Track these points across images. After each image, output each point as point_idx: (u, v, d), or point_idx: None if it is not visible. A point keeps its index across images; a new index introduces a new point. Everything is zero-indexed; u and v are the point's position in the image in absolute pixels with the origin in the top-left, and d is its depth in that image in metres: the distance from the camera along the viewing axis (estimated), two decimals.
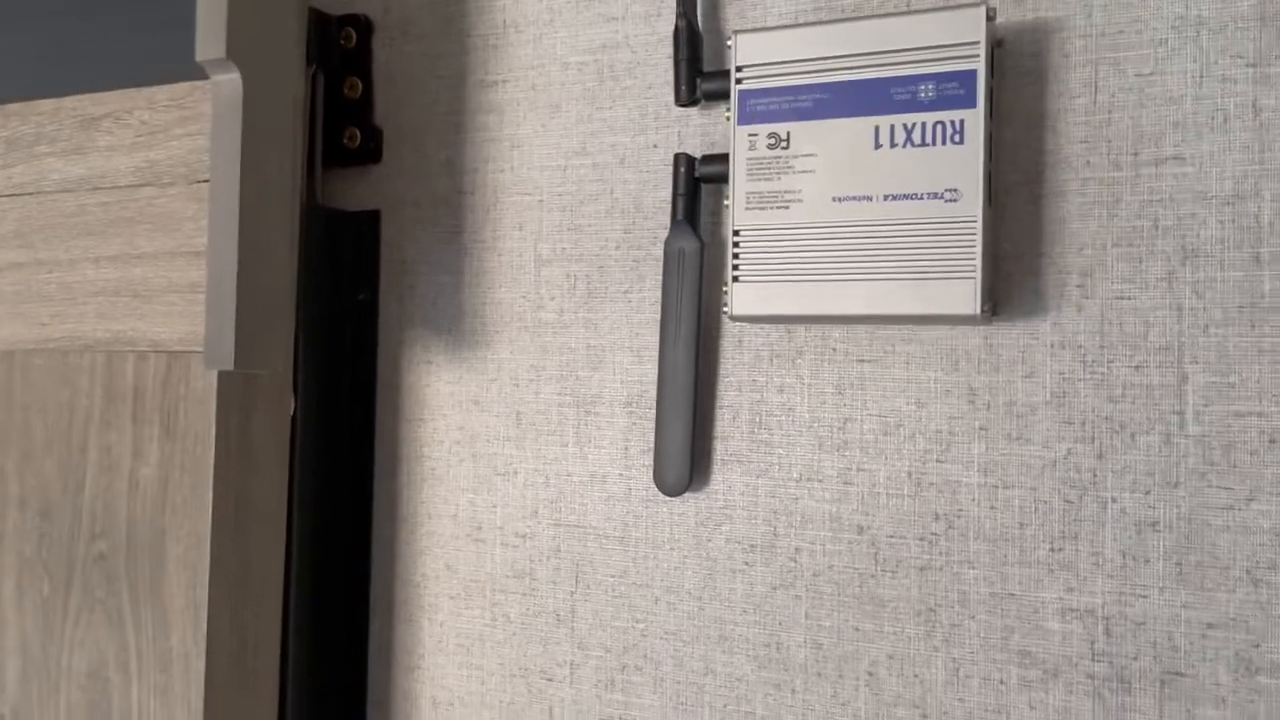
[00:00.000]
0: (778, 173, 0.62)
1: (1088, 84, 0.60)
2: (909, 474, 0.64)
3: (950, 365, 0.63)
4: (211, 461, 0.67)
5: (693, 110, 0.70)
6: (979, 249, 0.57)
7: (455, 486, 0.77)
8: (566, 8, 0.74)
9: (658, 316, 0.70)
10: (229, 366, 0.61)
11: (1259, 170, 0.57)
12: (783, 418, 0.67)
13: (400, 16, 0.80)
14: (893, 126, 0.59)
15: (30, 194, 0.76)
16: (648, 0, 0.71)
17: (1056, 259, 0.61)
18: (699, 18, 0.69)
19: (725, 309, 0.64)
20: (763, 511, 0.67)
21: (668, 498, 0.70)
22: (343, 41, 0.80)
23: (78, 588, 0.72)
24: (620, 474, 0.71)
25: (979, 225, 0.57)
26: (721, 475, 0.69)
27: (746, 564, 0.68)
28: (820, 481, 0.66)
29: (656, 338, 0.70)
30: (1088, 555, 0.60)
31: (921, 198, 0.58)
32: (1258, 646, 0.56)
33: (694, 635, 0.69)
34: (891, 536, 0.64)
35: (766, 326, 0.67)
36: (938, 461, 0.63)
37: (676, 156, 0.68)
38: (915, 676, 0.63)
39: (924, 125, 0.58)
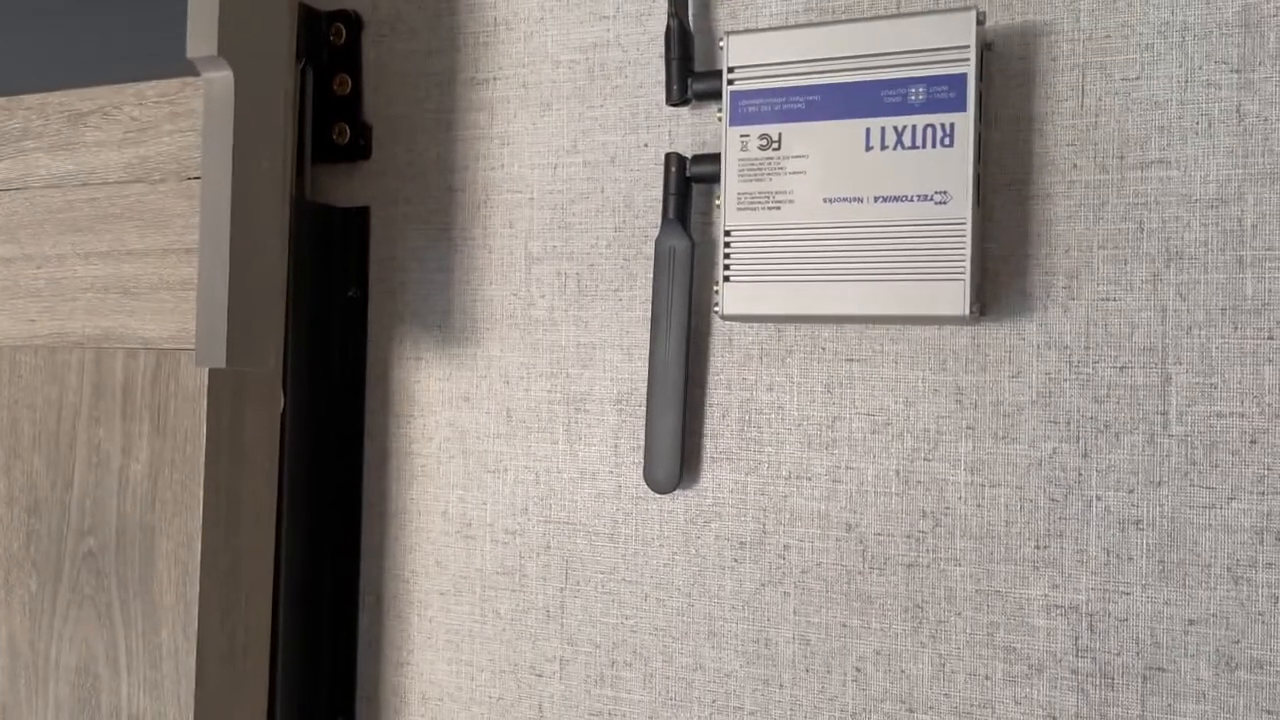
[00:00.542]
0: (769, 173, 0.62)
1: (1075, 88, 0.61)
2: (897, 472, 0.64)
3: (938, 365, 0.64)
4: (202, 458, 0.67)
5: (683, 110, 0.70)
6: (968, 251, 0.58)
7: (445, 483, 0.77)
8: (558, 6, 0.74)
9: (648, 315, 0.71)
10: (221, 364, 0.61)
11: (1242, 174, 0.58)
12: (772, 416, 0.68)
13: (390, 13, 0.80)
14: (883, 129, 0.60)
15: (18, 189, 0.75)
16: None
17: (1043, 260, 0.62)
18: (690, 18, 0.69)
19: (716, 308, 0.65)
20: (752, 509, 0.68)
21: (657, 495, 0.70)
22: (332, 38, 0.80)
23: (66, 584, 0.72)
24: (610, 471, 0.72)
25: (968, 227, 0.58)
26: (711, 473, 0.69)
27: (735, 561, 0.68)
28: (809, 479, 0.66)
29: (646, 336, 0.71)
30: (1072, 553, 0.60)
31: (911, 199, 0.59)
32: (1238, 642, 0.57)
33: (683, 631, 0.70)
34: (879, 534, 0.65)
35: (756, 325, 0.68)
36: (925, 460, 0.64)
37: (668, 156, 0.68)
38: (902, 672, 0.64)
39: (914, 128, 0.59)
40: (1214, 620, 0.58)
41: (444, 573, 0.77)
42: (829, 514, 0.66)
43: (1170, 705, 0.58)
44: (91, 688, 0.71)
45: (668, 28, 0.68)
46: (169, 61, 0.68)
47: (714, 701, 0.69)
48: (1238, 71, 0.58)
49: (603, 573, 0.72)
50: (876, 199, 0.60)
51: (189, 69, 0.63)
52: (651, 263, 0.70)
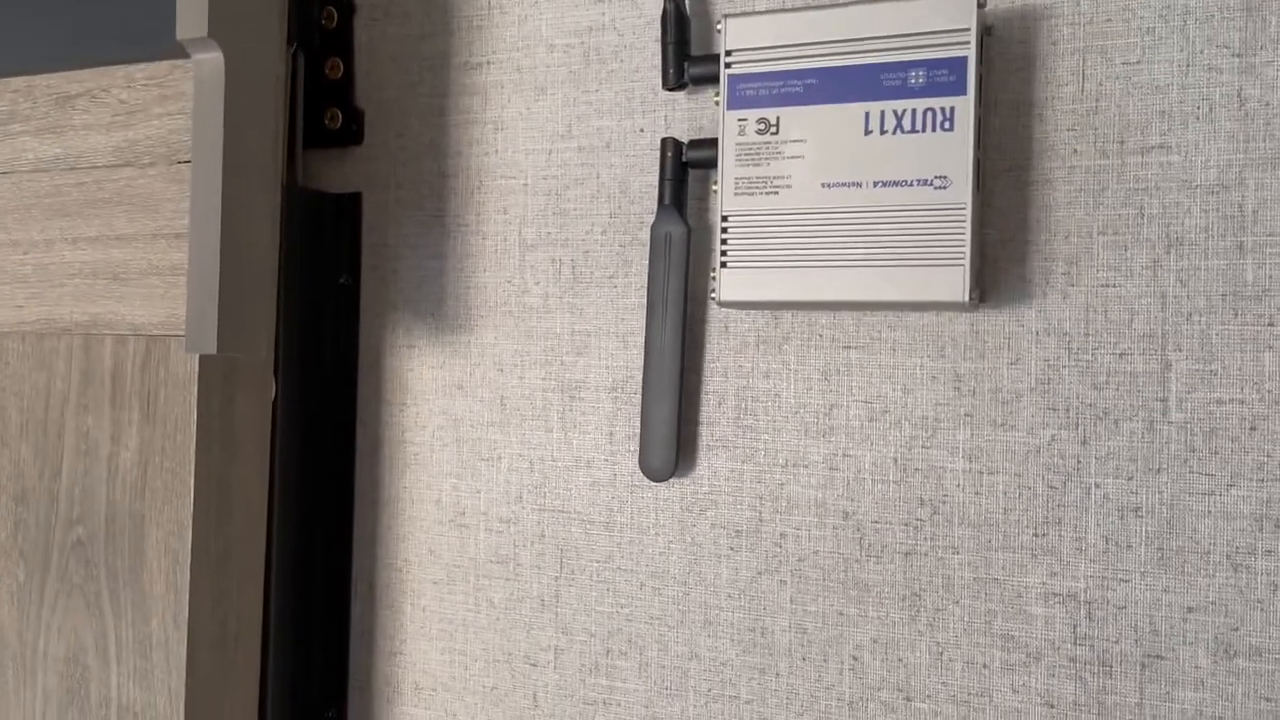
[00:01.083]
0: (767, 158, 0.62)
1: (1075, 72, 0.61)
2: (894, 460, 0.64)
3: (936, 351, 0.63)
4: (193, 446, 0.67)
5: (680, 94, 0.70)
6: (968, 236, 0.58)
7: (438, 471, 0.77)
8: None
9: (643, 302, 0.70)
10: (212, 350, 0.61)
11: (1243, 159, 0.57)
12: (769, 403, 0.67)
13: None
14: (883, 113, 0.59)
15: (4, 174, 0.74)
16: None
17: (1043, 246, 0.61)
18: (687, 1, 0.68)
19: (713, 294, 0.64)
20: (748, 497, 0.67)
21: (653, 483, 0.70)
22: (324, 21, 0.79)
23: (55, 574, 0.71)
24: (605, 459, 0.71)
25: (968, 212, 0.58)
26: (707, 461, 0.69)
27: (732, 549, 0.68)
28: (806, 467, 0.66)
29: (642, 323, 0.70)
30: (1071, 540, 0.60)
31: (911, 184, 0.58)
32: (1236, 630, 0.57)
33: (679, 620, 0.69)
34: (876, 522, 0.64)
35: (753, 312, 0.67)
36: (923, 447, 0.63)
37: (664, 141, 0.67)
38: (899, 660, 0.64)
39: (914, 112, 0.58)
40: (1213, 608, 0.57)
41: (437, 561, 0.77)
42: (826, 502, 0.65)
43: (1168, 693, 0.58)
44: (81, 678, 0.70)
45: (664, 11, 0.68)
46: (158, 43, 0.67)
47: (710, 691, 0.68)
48: (1239, 55, 0.58)
49: (598, 561, 0.71)
50: (875, 184, 0.59)
51: (179, 51, 0.62)
52: (647, 249, 0.70)
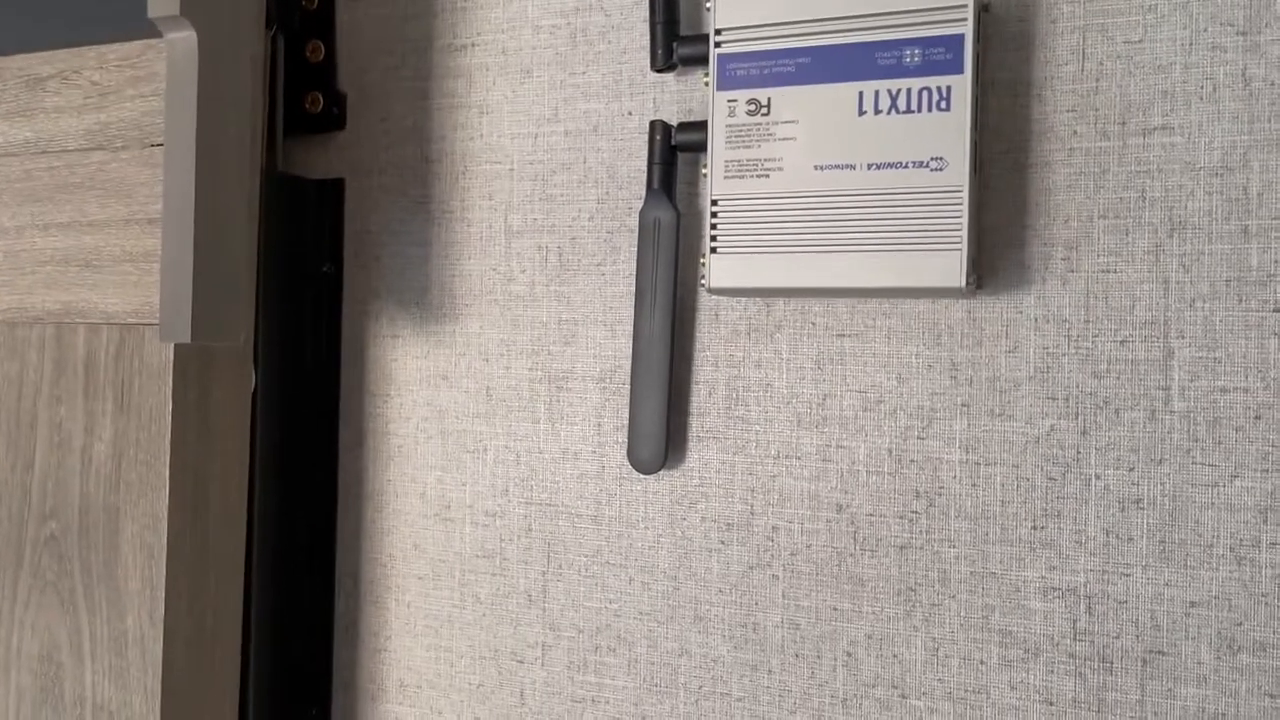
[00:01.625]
0: (758, 140, 0.60)
1: (1075, 51, 0.59)
2: (889, 451, 0.62)
3: (932, 339, 0.62)
4: (168, 438, 0.65)
5: (669, 76, 0.68)
6: (965, 219, 0.56)
7: (423, 464, 0.75)
8: None
9: (632, 289, 0.68)
10: (185, 338, 0.59)
11: (1248, 140, 0.56)
12: (760, 393, 0.65)
13: None
14: (877, 92, 0.57)
15: None
16: None
17: (1041, 231, 0.59)
18: None
19: (703, 281, 0.62)
20: (739, 489, 0.66)
21: (642, 475, 0.68)
22: (304, 3, 0.77)
23: (28, 569, 0.69)
24: (593, 451, 0.70)
25: (965, 195, 0.56)
26: (697, 452, 0.67)
27: (723, 543, 0.66)
28: (798, 459, 0.64)
29: (630, 311, 0.68)
30: (1070, 533, 0.59)
31: (906, 166, 0.57)
32: (1240, 625, 0.55)
33: (669, 616, 0.67)
34: (871, 515, 0.63)
35: (744, 300, 0.66)
36: (919, 438, 0.62)
37: (652, 124, 0.66)
38: (894, 656, 0.62)
39: (909, 91, 0.57)
40: (1216, 602, 0.56)
41: (422, 556, 0.75)
42: (819, 494, 0.64)
43: (1170, 689, 0.57)
44: (54, 676, 0.68)
45: None
46: (131, 22, 0.65)
47: (700, 688, 0.67)
48: (1244, 34, 0.56)
49: (586, 556, 0.70)
50: (869, 166, 0.57)
51: (152, 30, 0.60)
52: (636, 235, 0.68)
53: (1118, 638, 0.58)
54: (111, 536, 0.67)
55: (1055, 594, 0.59)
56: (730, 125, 0.60)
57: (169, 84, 0.60)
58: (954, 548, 0.61)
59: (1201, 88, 0.57)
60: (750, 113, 0.60)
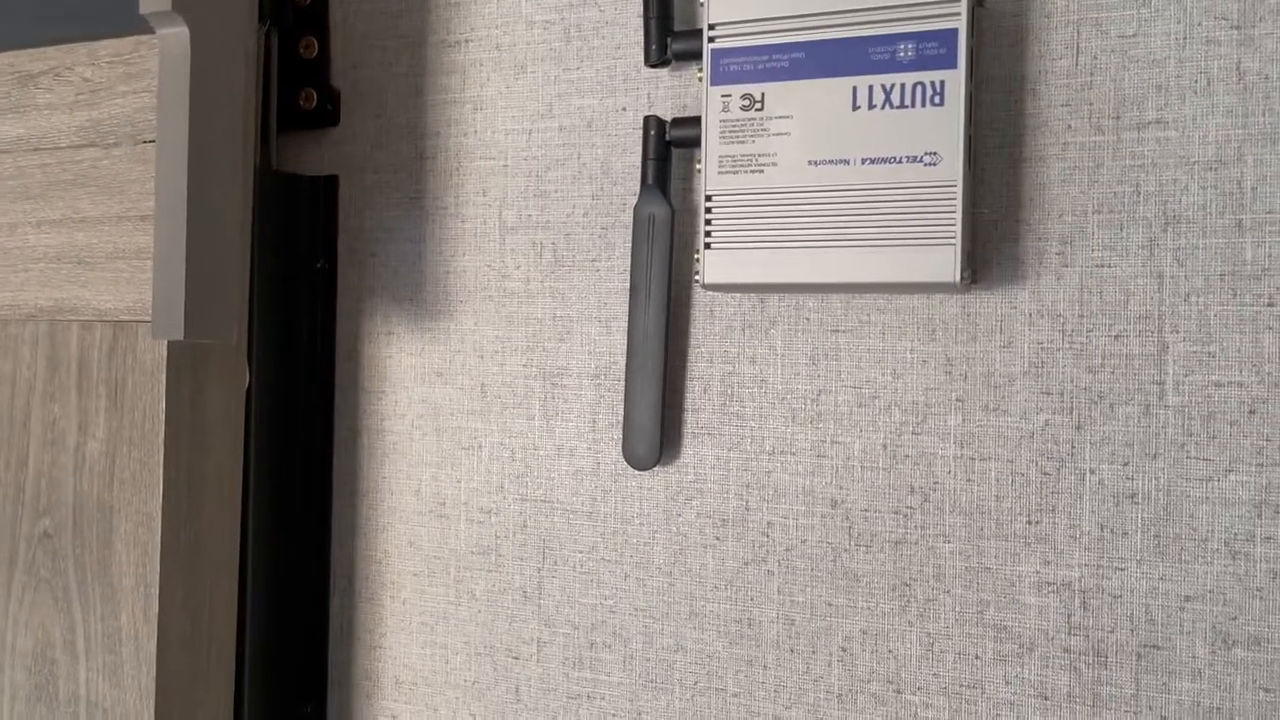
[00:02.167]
0: (751, 135, 0.60)
1: (1069, 45, 0.59)
2: (884, 446, 0.62)
3: (927, 335, 0.61)
4: (161, 435, 0.65)
5: (663, 71, 0.68)
6: (959, 214, 0.56)
7: (418, 461, 0.75)
8: None
9: (626, 285, 0.68)
10: (178, 336, 0.59)
11: (1242, 135, 0.56)
12: (755, 389, 0.65)
13: None
14: (871, 87, 0.57)
15: None
16: None
17: (1036, 226, 0.59)
18: None
19: (697, 277, 0.62)
20: (734, 485, 0.66)
21: (637, 471, 0.68)
22: None
23: (21, 567, 0.69)
24: (588, 447, 0.69)
25: (959, 189, 0.56)
26: (692, 448, 0.67)
27: (718, 539, 0.66)
28: (793, 454, 0.64)
29: (625, 307, 0.68)
30: (1065, 528, 0.59)
31: (900, 161, 0.57)
32: (1235, 619, 0.55)
33: (664, 612, 0.67)
34: (866, 510, 0.63)
35: (738, 296, 0.65)
36: (913, 433, 0.62)
37: (647, 119, 0.66)
38: (889, 652, 0.62)
39: (903, 86, 0.56)
40: (1211, 596, 0.56)
41: (417, 553, 0.75)
42: (814, 490, 0.64)
43: (1165, 684, 0.57)
44: (49, 673, 0.68)
45: None
46: (122, 19, 0.65)
47: (696, 684, 0.67)
48: (1238, 28, 0.56)
49: (581, 552, 0.70)
50: (863, 161, 0.57)
51: (144, 26, 0.60)
52: (630, 231, 0.68)
53: (1112, 632, 0.58)
54: (105, 534, 0.66)
55: (1050, 589, 0.59)
56: (724, 120, 0.60)
57: (161, 80, 0.59)
58: (949, 543, 0.61)
59: (1196, 82, 0.57)
60: (744, 108, 0.60)
